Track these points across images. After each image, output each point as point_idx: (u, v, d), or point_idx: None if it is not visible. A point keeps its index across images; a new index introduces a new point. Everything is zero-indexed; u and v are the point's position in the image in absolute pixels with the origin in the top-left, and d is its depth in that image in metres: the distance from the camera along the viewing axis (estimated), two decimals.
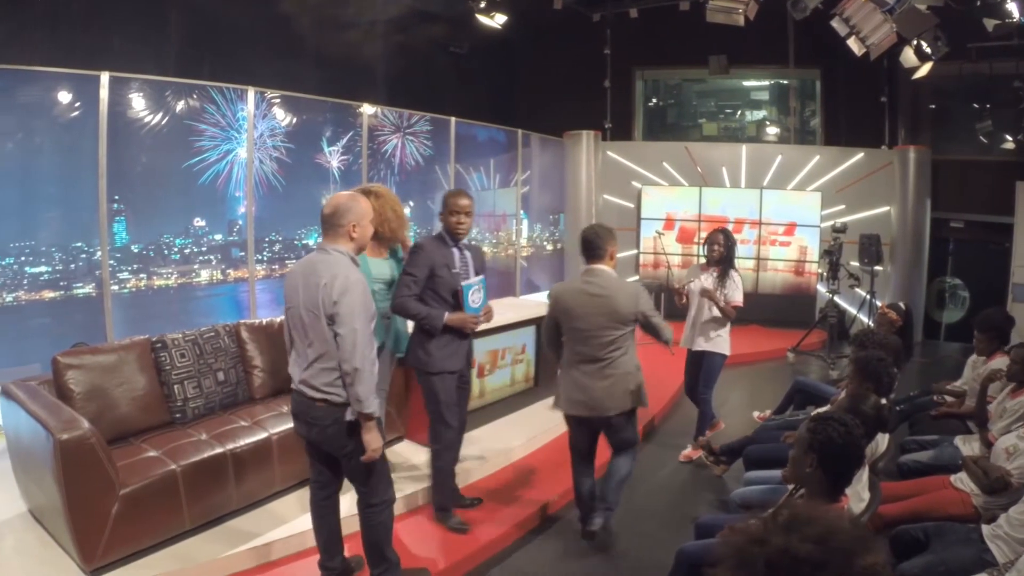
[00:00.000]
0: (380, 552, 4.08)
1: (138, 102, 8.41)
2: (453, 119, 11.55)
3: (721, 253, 6.76)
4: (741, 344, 10.73)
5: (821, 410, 4.47)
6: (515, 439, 6.54)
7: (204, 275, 9.61)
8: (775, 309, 12.44)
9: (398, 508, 4.95)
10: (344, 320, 3.63)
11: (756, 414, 7.19)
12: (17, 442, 4.92)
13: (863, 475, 3.80)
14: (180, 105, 8.96)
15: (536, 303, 8.18)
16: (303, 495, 4.85)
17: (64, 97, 7.97)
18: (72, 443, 3.99)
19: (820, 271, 11.98)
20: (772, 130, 14.45)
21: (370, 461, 3.79)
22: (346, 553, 4.36)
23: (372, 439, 3.73)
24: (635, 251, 13.16)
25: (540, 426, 6.84)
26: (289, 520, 4.88)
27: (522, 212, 13.53)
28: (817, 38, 11.34)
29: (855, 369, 4.73)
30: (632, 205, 13.27)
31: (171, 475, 4.44)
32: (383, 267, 5.14)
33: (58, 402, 4.59)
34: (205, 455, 4.68)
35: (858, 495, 3.75)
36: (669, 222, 12.84)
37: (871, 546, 1.71)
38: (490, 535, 5.06)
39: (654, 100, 15.10)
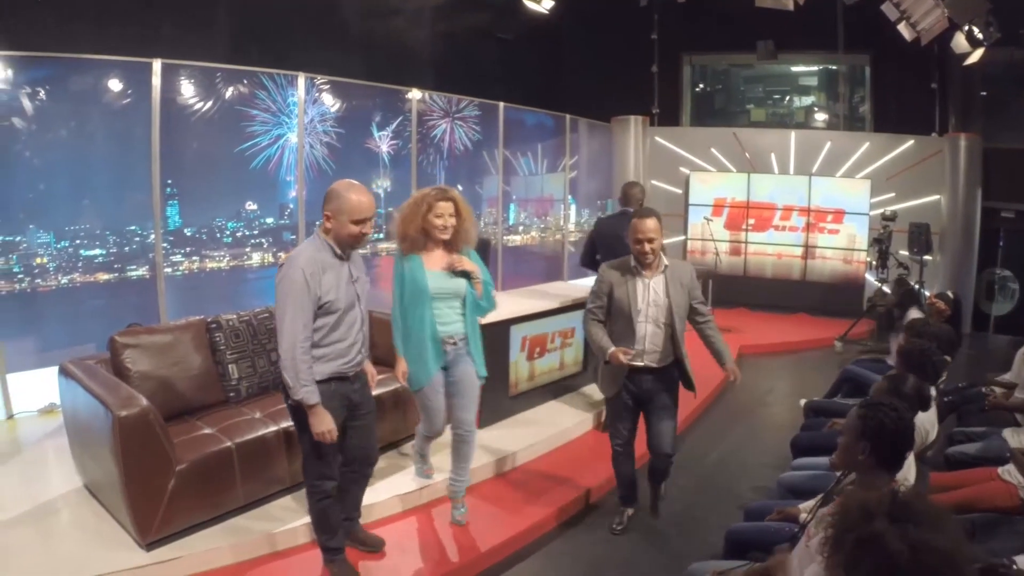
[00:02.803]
0: (319, 536, 4.24)
1: (190, 88, 8.53)
2: (501, 104, 11.60)
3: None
4: (788, 332, 10.68)
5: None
6: (563, 422, 6.57)
7: (255, 258, 9.72)
8: (823, 297, 12.34)
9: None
10: (275, 308, 3.87)
11: (802, 402, 7.15)
12: (74, 419, 5.03)
13: (909, 460, 3.76)
14: (231, 91, 9.08)
15: (584, 288, 8.17)
16: None
17: (117, 84, 8.11)
18: (130, 420, 4.07)
19: (869, 260, 11.83)
20: (821, 116, 14.23)
21: (318, 444, 3.91)
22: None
23: (314, 423, 3.85)
24: (683, 237, 13.12)
25: (585, 411, 6.88)
26: None
27: (570, 197, 13.53)
28: (867, 23, 11.16)
29: (902, 358, 4.66)
30: (680, 191, 13.22)
31: (226, 452, 4.51)
32: (445, 282, 4.72)
33: (116, 380, 4.69)
34: (259, 433, 4.76)
35: (905, 480, 3.71)
36: (717, 208, 12.78)
37: (961, 570, 1.70)
38: (535, 517, 5.09)
39: (701, 86, 14.96)
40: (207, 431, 4.70)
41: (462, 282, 4.73)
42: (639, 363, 4.70)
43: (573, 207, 13.82)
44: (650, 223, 4.60)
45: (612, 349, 4.62)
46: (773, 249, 12.62)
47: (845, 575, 1.75)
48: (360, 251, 4.28)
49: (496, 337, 6.33)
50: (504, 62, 12.05)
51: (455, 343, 4.77)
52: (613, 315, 4.83)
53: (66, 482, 5.18)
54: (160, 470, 4.23)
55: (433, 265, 4.67)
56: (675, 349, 4.77)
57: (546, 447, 6.20)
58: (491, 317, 6.20)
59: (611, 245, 6.72)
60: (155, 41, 8.05)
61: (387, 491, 5.15)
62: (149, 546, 4.24)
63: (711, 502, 5.57)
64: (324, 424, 3.85)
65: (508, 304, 6.69)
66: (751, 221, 12.67)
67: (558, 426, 6.46)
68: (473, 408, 4.89)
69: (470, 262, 4.73)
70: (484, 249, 9.53)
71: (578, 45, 13.30)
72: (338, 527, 4.22)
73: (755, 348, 9.89)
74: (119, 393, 4.34)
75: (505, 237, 12.25)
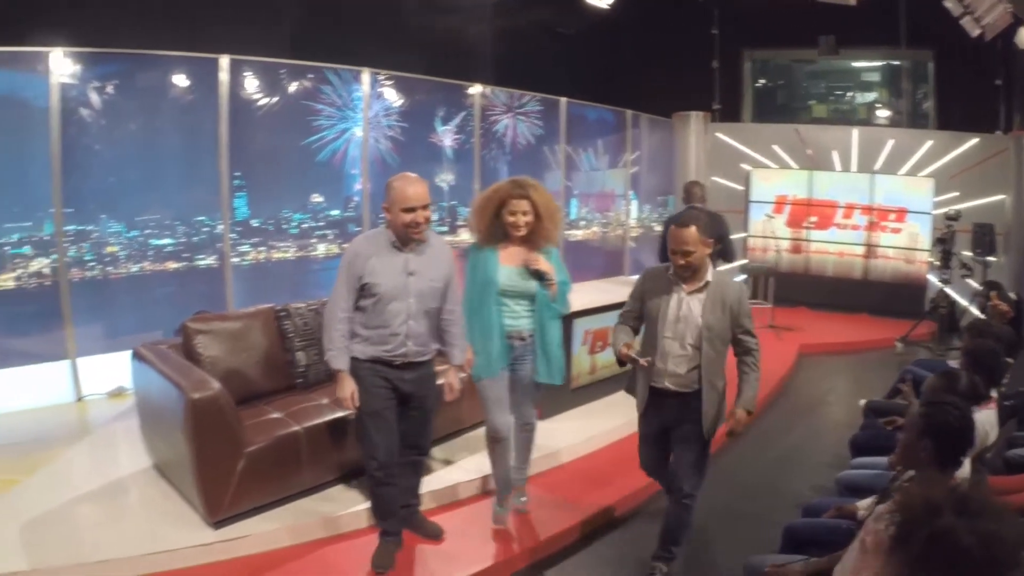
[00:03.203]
0: (375, 518, 4.50)
1: (256, 84, 8.75)
2: (563, 100, 11.67)
3: None
4: (848, 332, 10.57)
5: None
6: (622, 417, 6.43)
7: (321, 249, 9.92)
8: (884, 298, 12.08)
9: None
10: None
11: (862, 402, 7.08)
12: (147, 401, 5.20)
13: (965, 462, 3.73)
14: (298, 86, 9.29)
15: None
16: None
17: (186, 80, 8.39)
18: (203, 402, 4.21)
19: (931, 260, 11.62)
20: (883, 113, 13.97)
21: (364, 424, 4.21)
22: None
23: (336, 388, 4.17)
24: (744, 234, 12.97)
25: None
26: None
27: (631, 193, 13.52)
28: (930, 18, 10.93)
29: (966, 359, 4.61)
30: (741, 187, 13.07)
31: (294, 436, 4.64)
32: (516, 279, 4.55)
33: (189, 364, 4.83)
34: (326, 419, 4.88)
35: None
36: (779, 205, 12.67)
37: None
38: (593, 508, 5.16)
39: (763, 81, 14.81)
40: (276, 415, 4.82)
41: (534, 282, 4.54)
42: (660, 384, 4.18)
43: (634, 203, 13.79)
44: (688, 233, 3.96)
45: (621, 346, 4.24)
46: (835, 247, 12.44)
47: (915, 572, 1.76)
48: (438, 247, 4.34)
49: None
50: (565, 57, 12.08)
51: (522, 339, 4.60)
52: (646, 323, 4.35)
53: (135, 462, 5.35)
54: (230, 452, 4.36)
55: (508, 260, 4.51)
56: (700, 377, 4.13)
57: (605, 440, 6.24)
58: None
59: None
60: (222, 37, 8.23)
61: (447, 479, 5.23)
62: (216, 525, 4.38)
63: (769, 499, 5.56)
64: (344, 391, 4.11)
65: (570, 297, 6.73)
66: (813, 219, 12.50)
67: (617, 420, 6.45)
68: (531, 402, 4.80)
69: (545, 262, 4.49)
70: None
71: (639, 40, 13.23)
72: (392, 511, 4.32)
73: (815, 347, 9.80)
74: (192, 376, 4.48)
75: (566, 232, 12.27)
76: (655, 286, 4.21)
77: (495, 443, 4.71)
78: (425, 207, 4.10)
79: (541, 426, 5.89)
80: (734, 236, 12.33)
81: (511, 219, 4.44)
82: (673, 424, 4.28)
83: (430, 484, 4.97)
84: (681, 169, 13.21)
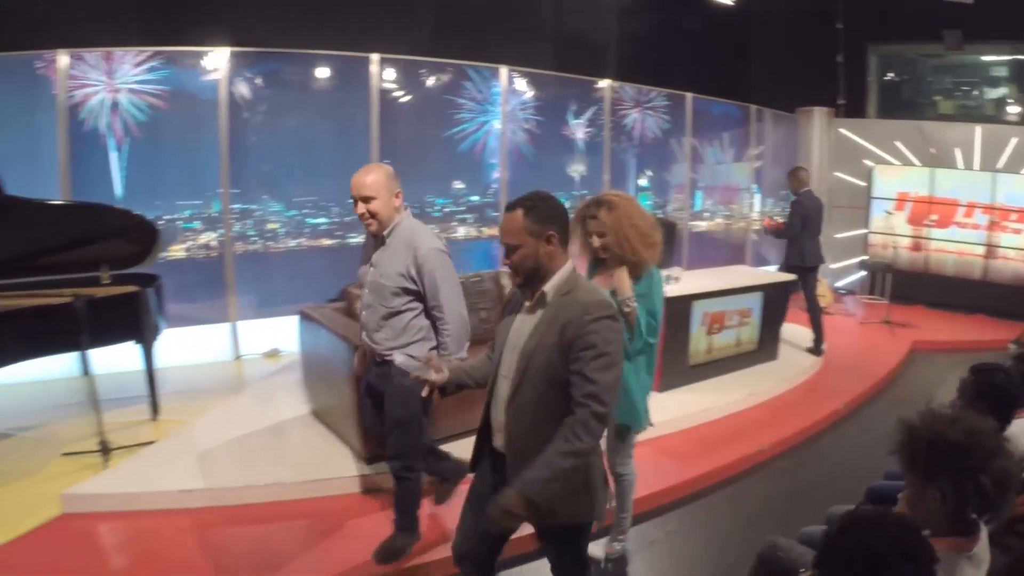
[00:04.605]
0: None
1: (403, 79, 9.60)
2: (689, 95, 11.97)
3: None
4: (964, 331, 10.53)
5: None
6: (733, 394, 7.00)
7: (461, 231, 10.63)
8: (1004, 299, 11.74)
9: None
10: None
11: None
12: (313, 355, 6.02)
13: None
14: (441, 82, 10.06)
15: (764, 273, 8.54)
16: None
17: (338, 75, 9.30)
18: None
19: None
20: (1014, 109, 13.57)
21: None
22: None
23: None
24: (864, 231, 12.96)
25: (756, 386, 7.26)
26: None
27: (755, 186, 13.64)
28: None
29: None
30: (864, 184, 12.99)
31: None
32: None
33: (352, 321, 5.53)
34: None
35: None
36: (900, 202, 12.61)
37: (1007, 452, 2.25)
38: (701, 470, 5.59)
39: (889, 75, 14.55)
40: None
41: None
42: (497, 442, 2.99)
43: (758, 196, 13.88)
44: (510, 220, 2.80)
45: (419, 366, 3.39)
46: (954, 246, 12.20)
47: (928, 480, 2.25)
48: (401, 242, 3.96)
49: (680, 310, 6.90)
50: (691, 52, 12.16)
51: None
52: None
53: (294, 409, 6.19)
54: None
55: (603, 281, 4.06)
56: (531, 438, 2.78)
57: (718, 413, 6.68)
58: (676, 291, 6.80)
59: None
60: (369, 36, 8.97)
61: None
62: (369, 460, 5.07)
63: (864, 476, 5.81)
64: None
65: (692, 281, 7.24)
66: (934, 217, 12.35)
67: (731, 396, 6.92)
68: (616, 447, 4.28)
69: (623, 283, 3.97)
70: (670, 232, 10.04)
71: (763, 35, 13.18)
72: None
73: (928, 345, 9.85)
74: (356, 332, 5.18)
75: (691, 223, 12.55)
76: (511, 302, 3.09)
77: None
78: (366, 199, 3.88)
79: (660, 396, 6.49)
80: (853, 232, 12.43)
81: (588, 240, 4.07)
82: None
83: None
84: (804, 164, 12.94)
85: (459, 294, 4.08)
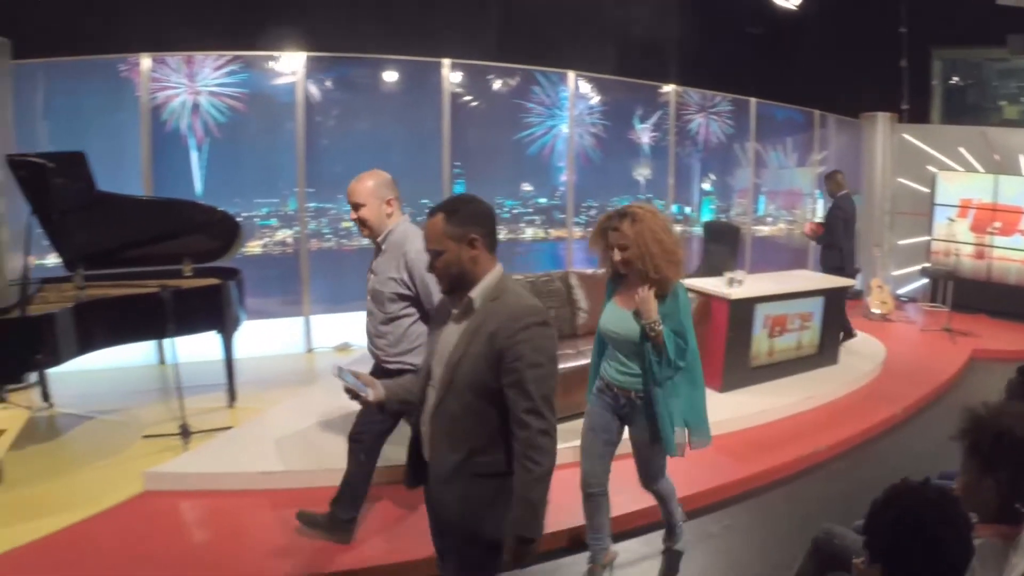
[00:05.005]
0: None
1: (473, 84, 9.93)
2: (753, 100, 12.07)
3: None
4: (1012, 339, 10.45)
5: None
6: (792, 396, 7.10)
7: (528, 232, 10.91)
8: None
9: None
10: None
11: None
12: None
13: None
14: (510, 86, 10.35)
15: (825, 278, 8.62)
16: None
17: (410, 79, 9.65)
18: None
19: None
20: None
21: None
22: None
23: None
24: (927, 237, 12.75)
25: (815, 390, 7.33)
26: None
27: (818, 192, 13.51)
28: None
29: None
30: (927, 190, 12.78)
31: None
32: (620, 323, 3.90)
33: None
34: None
35: None
36: (963, 209, 12.39)
37: None
38: (755, 469, 5.76)
39: (953, 80, 14.14)
40: None
41: (637, 329, 3.81)
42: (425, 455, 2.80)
43: (820, 201, 13.67)
44: (429, 225, 2.65)
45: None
46: (1018, 255, 11.91)
47: (987, 469, 2.33)
48: (394, 248, 4.02)
49: (743, 312, 7.08)
50: (754, 56, 12.07)
51: (630, 397, 3.93)
52: None
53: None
54: None
55: (625, 300, 3.90)
56: (452, 450, 2.65)
57: (777, 415, 6.80)
58: (739, 293, 6.99)
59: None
60: (440, 42, 9.27)
61: None
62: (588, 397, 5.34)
63: (914, 478, 5.89)
64: None
65: (755, 284, 7.41)
66: (997, 224, 12.13)
67: (791, 398, 7.04)
68: (643, 468, 4.11)
69: (646, 305, 3.73)
70: (733, 236, 10.19)
71: (826, 39, 12.91)
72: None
73: (988, 353, 9.73)
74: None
75: (753, 227, 12.59)
76: (439, 311, 2.93)
77: (584, 496, 4.17)
78: (356, 206, 3.99)
79: (721, 396, 6.74)
80: (916, 239, 12.35)
81: (608, 253, 3.87)
82: (436, 530, 2.98)
83: None
84: (868, 170, 13.18)
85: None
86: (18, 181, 5.67)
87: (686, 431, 3.97)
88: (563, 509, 4.50)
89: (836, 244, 8.78)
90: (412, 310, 4.05)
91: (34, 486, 5.18)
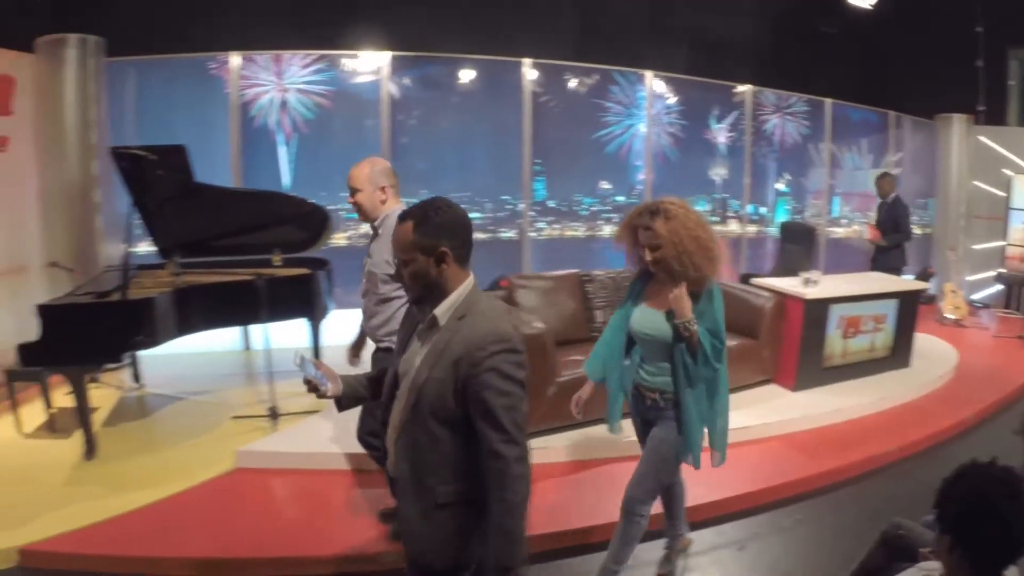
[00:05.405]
0: None
1: (553, 83, 10.18)
2: (828, 101, 12.05)
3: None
4: None
5: None
6: (864, 397, 7.15)
7: (607, 230, 11.08)
8: None
9: None
10: None
11: None
12: None
13: None
14: (589, 85, 10.57)
15: (899, 280, 8.64)
16: None
17: (491, 79, 9.95)
18: (533, 338, 5.35)
19: None
20: None
21: None
22: None
23: None
24: (1002, 242, 12.45)
25: (887, 392, 7.37)
26: None
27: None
28: None
29: None
30: (1003, 193, 12.51)
31: None
32: (651, 322, 3.76)
33: (515, 309, 6.08)
34: None
35: None
36: None
37: None
38: (828, 466, 5.84)
39: None
40: (577, 357, 5.79)
41: (670, 330, 3.66)
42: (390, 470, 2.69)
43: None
44: (398, 232, 2.50)
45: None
46: None
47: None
48: (386, 232, 4.09)
49: (818, 312, 7.15)
50: (828, 56, 12.05)
51: (655, 398, 3.80)
52: None
53: None
54: (545, 380, 5.57)
55: (655, 300, 3.76)
56: (414, 478, 2.54)
57: (850, 415, 6.87)
58: (815, 293, 7.08)
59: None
60: (519, 42, 9.57)
61: None
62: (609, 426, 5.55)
63: None
64: None
65: (830, 285, 7.48)
66: None
67: (865, 399, 7.09)
68: (652, 471, 3.86)
69: (680, 303, 3.57)
70: (809, 236, 10.25)
71: (902, 39, 12.81)
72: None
73: None
74: (523, 318, 5.76)
75: (828, 229, 12.57)
76: (406, 321, 2.79)
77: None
78: (352, 191, 4.15)
79: (794, 396, 6.92)
80: (991, 244, 12.25)
81: (639, 252, 3.72)
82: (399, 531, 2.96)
83: None
84: (943, 172, 13.02)
85: None
86: (120, 172, 5.99)
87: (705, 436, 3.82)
88: (563, 509, 4.91)
89: (901, 244, 8.88)
90: (403, 292, 3.94)
91: (128, 461, 5.55)
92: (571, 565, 4.56)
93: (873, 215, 10.04)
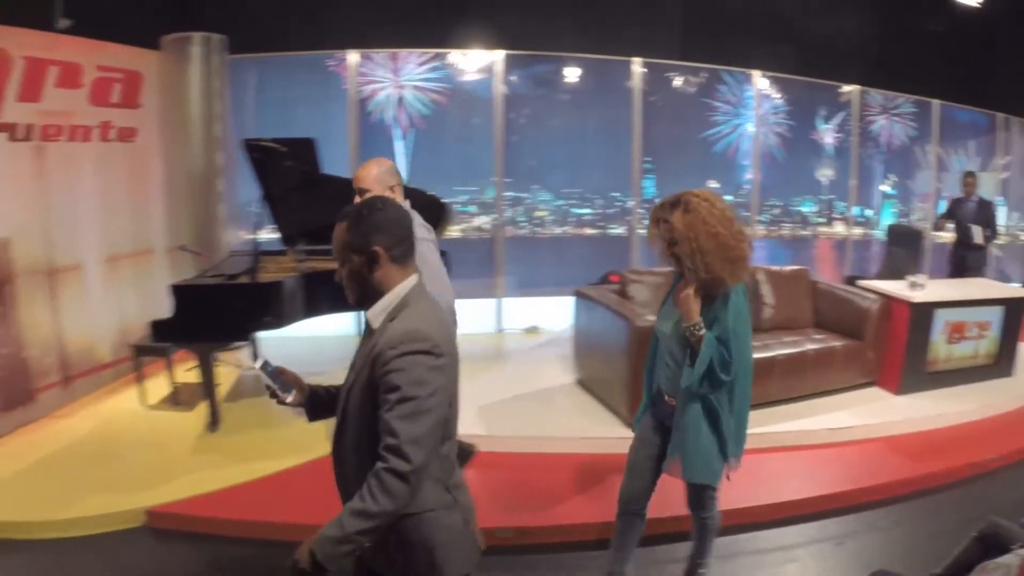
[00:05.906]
0: None
1: (662, 82, 10.42)
2: (936, 102, 11.88)
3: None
4: None
5: None
6: (966, 405, 7.09)
7: None
8: None
9: None
10: None
11: None
12: (587, 329, 6.83)
13: None
14: (696, 84, 10.77)
15: (1005, 287, 8.65)
16: (796, 409, 6.37)
17: (602, 77, 10.21)
18: (643, 330, 5.54)
19: None
20: None
21: None
22: None
23: None
24: None
25: (991, 399, 7.28)
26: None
27: (999, 198, 13.01)
28: None
29: None
30: None
31: None
32: (667, 322, 3.62)
33: (627, 301, 6.31)
34: None
35: None
36: None
37: None
38: (921, 471, 5.88)
39: None
40: None
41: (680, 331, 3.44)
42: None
43: (1002, 208, 13.12)
44: (335, 232, 2.40)
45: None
46: None
47: None
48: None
49: (923, 316, 7.14)
50: (935, 56, 11.71)
51: (668, 401, 3.63)
52: None
53: (558, 379, 7.09)
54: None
55: (679, 299, 3.45)
56: (347, 491, 2.45)
57: (952, 420, 6.82)
58: (920, 297, 7.09)
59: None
60: (625, 40, 9.70)
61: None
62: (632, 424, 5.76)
63: None
64: None
65: (935, 289, 7.46)
66: None
67: (967, 405, 7.05)
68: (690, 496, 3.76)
69: (687, 306, 3.36)
70: (916, 240, 10.23)
71: (1011, 38, 12.32)
72: None
73: None
74: (635, 311, 5.98)
75: (933, 232, 12.04)
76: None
77: (618, 512, 3.90)
78: (360, 191, 4.06)
79: (895, 399, 6.95)
80: None
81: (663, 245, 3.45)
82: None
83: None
84: None
85: (440, 278, 4.08)
86: (251, 162, 6.34)
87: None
88: (561, 505, 5.09)
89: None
90: None
91: (247, 434, 5.98)
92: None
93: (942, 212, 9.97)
